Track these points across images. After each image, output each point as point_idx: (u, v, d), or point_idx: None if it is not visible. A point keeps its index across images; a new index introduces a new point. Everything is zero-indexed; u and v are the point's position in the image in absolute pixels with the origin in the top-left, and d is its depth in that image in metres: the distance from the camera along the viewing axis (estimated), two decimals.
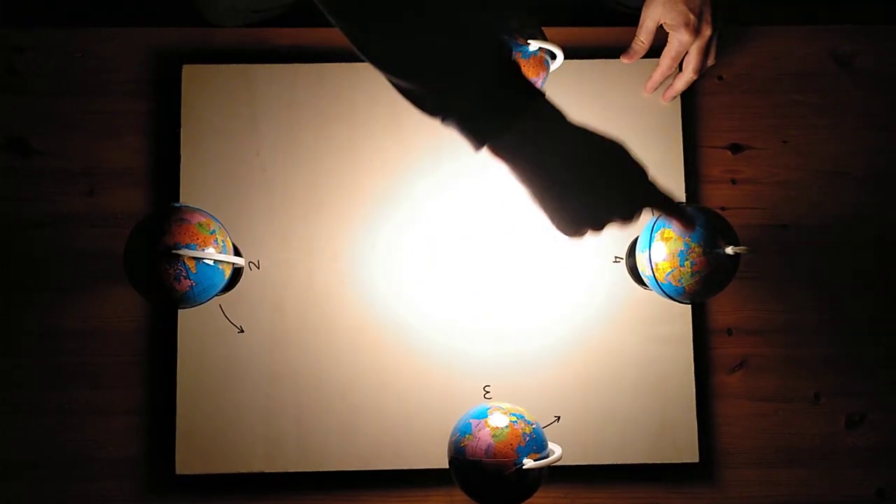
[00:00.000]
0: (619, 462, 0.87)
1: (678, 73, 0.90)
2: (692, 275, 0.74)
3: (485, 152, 0.63)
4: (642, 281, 0.83)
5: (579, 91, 0.92)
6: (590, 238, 0.67)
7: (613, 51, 0.93)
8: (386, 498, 0.87)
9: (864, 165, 0.93)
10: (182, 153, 0.90)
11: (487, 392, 0.88)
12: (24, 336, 0.88)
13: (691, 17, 0.85)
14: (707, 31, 0.86)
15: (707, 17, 0.85)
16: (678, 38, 0.87)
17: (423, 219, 0.90)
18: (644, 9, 0.89)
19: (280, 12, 1.03)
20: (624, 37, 0.92)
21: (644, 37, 0.90)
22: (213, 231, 0.76)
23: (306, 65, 0.92)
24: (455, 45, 0.60)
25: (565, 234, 0.67)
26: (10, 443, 0.87)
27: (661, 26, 0.89)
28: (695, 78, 0.89)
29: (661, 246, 0.76)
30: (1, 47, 0.92)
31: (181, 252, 0.72)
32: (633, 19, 0.90)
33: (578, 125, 0.64)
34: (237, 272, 0.86)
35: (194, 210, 0.77)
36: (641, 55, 0.91)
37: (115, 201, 0.90)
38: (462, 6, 0.60)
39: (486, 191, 0.91)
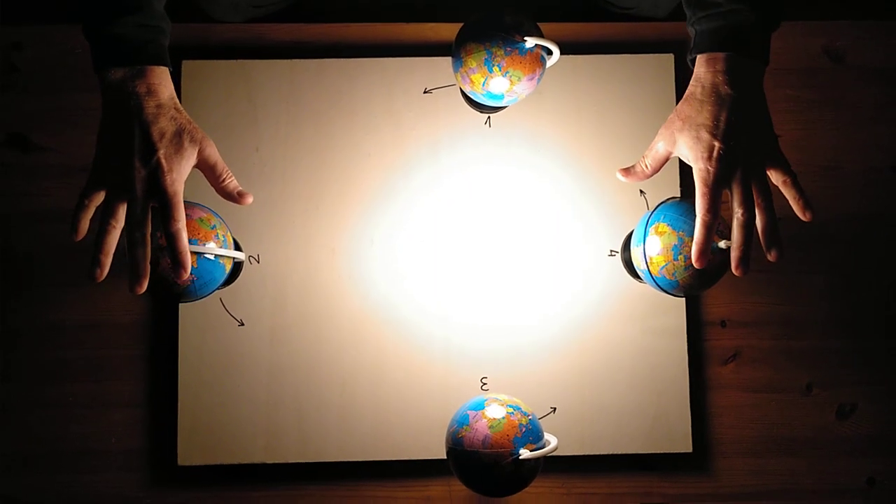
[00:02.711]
0: (614, 452, 0.89)
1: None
2: (686, 269, 0.75)
3: None
4: (637, 274, 0.84)
5: (576, 87, 0.92)
6: None
7: (610, 46, 0.93)
8: (385, 488, 0.89)
9: (858, 160, 0.94)
10: None
11: (485, 384, 0.89)
12: (27, 330, 0.89)
13: (716, 144, 0.65)
14: (739, 166, 0.65)
15: (739, 142, 0.65)
16: (702, 168, 0.67)
17: (421, 213, 0.91)
18: (662, 128, 0.73)
19: (280, 7, 1.04)
20: (621, 32, 0.92)
21: (650, 161, 0.75)
22: (214, 226, 0.77)
23: (305, 60, 0.92)
24: None
25: None
26: (15, 436, 0.88)
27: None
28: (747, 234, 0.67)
29: (656, 240, 0.76)
30: (1, 44, 0.92)
31: None
32: (626, 17, 0.89)
33: None
34: (237, 266, 0.86)
35: (195, 205, 0.77)
36: (642, 180, 0.77)
37: None
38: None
39: (484, 185, 0.91)
